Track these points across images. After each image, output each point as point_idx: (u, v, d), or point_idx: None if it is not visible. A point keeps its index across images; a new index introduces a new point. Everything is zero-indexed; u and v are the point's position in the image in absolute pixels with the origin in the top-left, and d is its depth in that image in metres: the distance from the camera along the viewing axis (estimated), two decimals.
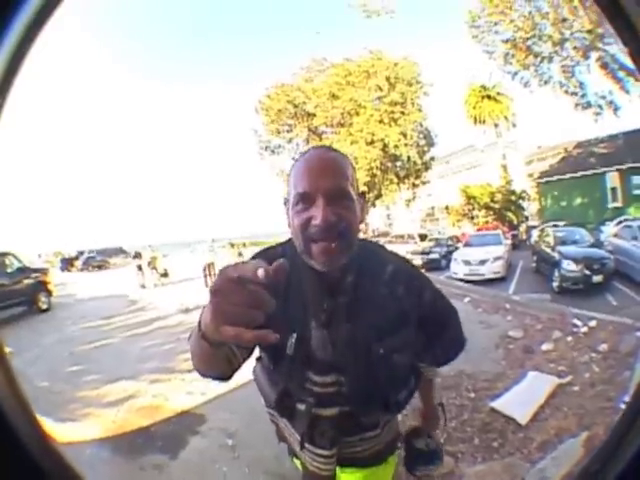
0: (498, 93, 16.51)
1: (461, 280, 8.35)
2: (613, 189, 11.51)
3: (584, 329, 4.01)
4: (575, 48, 8.28)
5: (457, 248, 10.84)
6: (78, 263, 14.13)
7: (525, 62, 9.38)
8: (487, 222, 15.55)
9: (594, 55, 8.15)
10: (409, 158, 15.91)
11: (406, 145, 15.60)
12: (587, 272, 6.56)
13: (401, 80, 16.12)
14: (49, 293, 8.36)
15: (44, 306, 8.06)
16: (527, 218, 15.88)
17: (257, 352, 0.91)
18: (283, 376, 0.86)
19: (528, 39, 8.85)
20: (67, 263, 13.89)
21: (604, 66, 8.17)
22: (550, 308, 5.18)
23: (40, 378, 3.93)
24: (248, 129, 18.94)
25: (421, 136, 16.53)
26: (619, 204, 11.36)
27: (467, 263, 8.72)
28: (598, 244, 7.94)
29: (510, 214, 15.43)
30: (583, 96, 9.10)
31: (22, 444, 0.39)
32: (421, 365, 0.99)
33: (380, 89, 15.89)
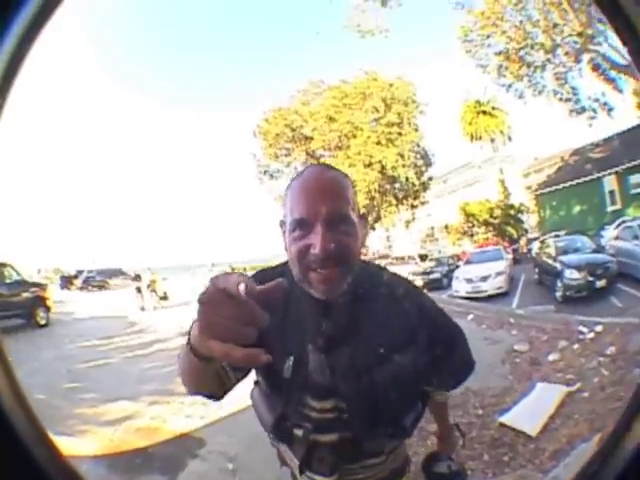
0: (493, 108, 16.79)
1: (463, 298, 8.26)
2: (611, 192, 11.49)
3: (590, 335, 3.96)
4: (567, 54, 8.47)
5: (458, 266, 10.77)
6: (77, 282, 14.03)
7: (519, 73, 9.57)
8: (487, 239, 15.55)
9: (585, 58, 8.32)
10: (407, 179, 15.97)
11: (404, 166, 15.70)
12: (590, 279, 6.50)
13: (397, 100, 16.34)
14: (47, 309, 8.20)
15: (42, 321, 7.89)
16: (527, 231, 15.89)
17: (255, 375, 0.88)
18: (280, 400, 0.82)
19: (521, 49, 9.06)
20: (66, 281, 13.78)
21: (596, 68, 8.34)
22: (555, 318, 5.15)
23: (38, 391, 3.82)
24: (247, 153, 19.10)
25: (418, 156, 16.65)
26: (618, 206, 11.31)
27: (469, 281, 8.65)
28: (600, 249, 7.89)
29: (510, 228, 15.44)
30: (577, 102, 9.25)
31: (25, 449, 0.38)
32: (429, 389, 0.95)
33: (376, 110, 16.07)
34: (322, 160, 16.78)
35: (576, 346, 3.81)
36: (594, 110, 9.20)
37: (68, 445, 2.81)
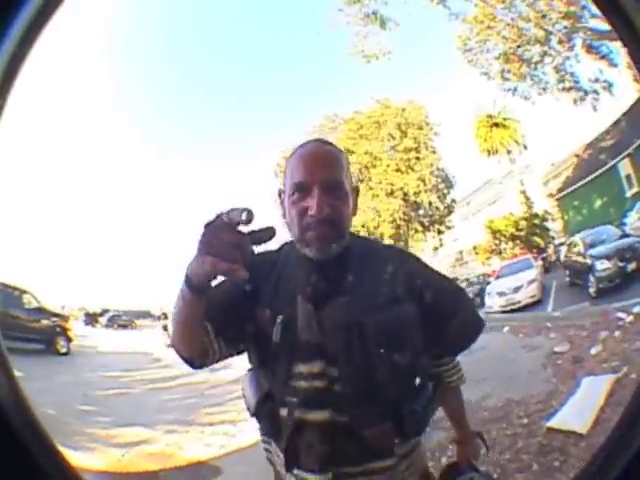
0: (504, 119, 16.68)
1: (498, 313, 8.01)
2: (627, 177, 11.00)
3: (629, 318, 3.88)
4: (560, 42, 8.45)
5: (489, 283, 10.57)
6: (103, 319, 14.18)
7: (520, 72, 9.61)
8: (515, 255, 15.14)
9: (578, 42, 8.28)
10: (430, 204, 15.95)
11: (426, 191, 15.73)
12: (621, 264, 6.36)
13: (411, 125, 16.49)
14: (69, 339, 8.01)
15: (63, 350, 7.69)
16: (553, 238, 15.41)
17: (248, 361, 0.86)
18: (268, 374, 0.79)
19: (518, 47, 9.11)
20: (91, 318, 13.92)
21: (589, 49, 8.30)
22: (592, 312, 5.05)
23: (48, 406, 3.66)
24: (269, 194, 19.42)
25: (439, 179, 16.56)
26: (636, 189, 10.84)
27: (501, 294, 8.39)
28: (626, 235, 7.66)
29: (537, 238, 15.04)
30: (579, 89, 9.15)
31: (26, 449, 0.39)
32: (437, 368, 0.85)
33: (392, 137, 16.22)
34: None
35: (617, 333, 3.69)
36: (596, 92, 9.14)
37: (72, 458, 2.67)
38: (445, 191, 16.35)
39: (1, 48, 0.39)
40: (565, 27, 8.06)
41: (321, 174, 0.76)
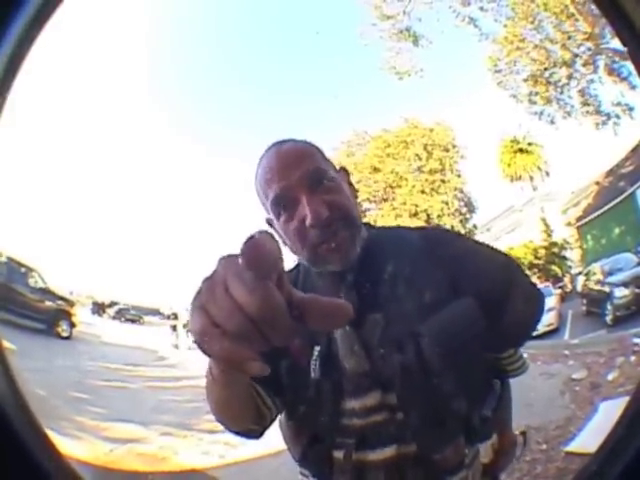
0: (529, 144, 16.54)
1: None
2: None
3: None
4: (585, 64, 8.38)
5: None
6: (110, 311, 14.17)
7: (547, 95, 9.56)
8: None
9: (601, 64, 8.20)
10: (452, 228, 15.80)
11: (449, 215, 15.59)
12: (638, 291, 6.30)
13: (438, 146, 16.45)
14: (72, 324, 7.86)
15: (64, 334, 7.52)
16: (570, 267, 15.13)
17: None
18: (311, 415, 0.66)
19: (545, 70, 9.07)
20: (99, 307, 13.89)
21: (611, 71, 8.20)
22: (609, 338, 5.04)
23: (39, 386, 3.58)
24: None
25: (462, 203, 16.40)
26: None
27: None
28: None
29: (555, 267, 14.75)
30: (601, 112, 9.06)
31: (24, 446, 0.38)
32: (496, 356, 0.72)
33: (419, 158, 16.18)
34: (368, 214, 16.28)
35: (633, 358, 3.68)
36: (617, 116, 9.03)
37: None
38: (467, 216, 16.16)
39: (1, 48, 0.39)
40: (589, 49, 8.04)
41: (296, 174, 0.63)
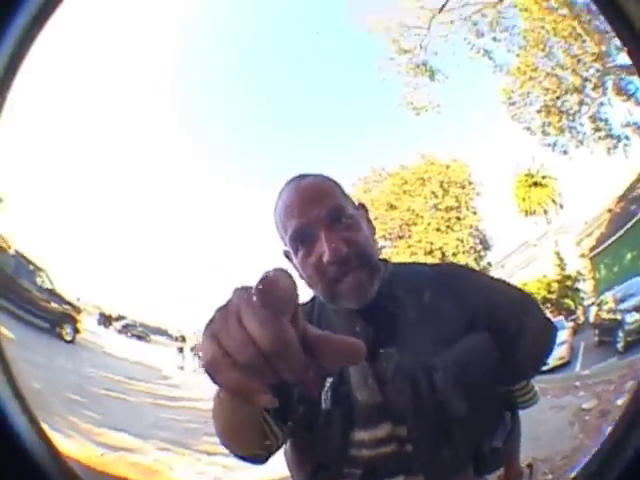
0: (543, 177, 16.47)
1: None
2: None
3: None
4: (595, 87, 8.42)
5: None
6: (117, 324, 14.07)
7: (560, 125, 9.56)
8: None
9: (610, 84, 8.21)
10: (466, 265, 15.58)
11: (464, 252, 15.40)
12: None
13: (454, 183, 16.41)
14: (76, 330, 7.72)
15: (67, 337, 7.34)
16: (583, 299, 14.75)
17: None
18: (318, 444, 0.66)
19: (558, 98, 9.13)
20: (105, 319, 13.78)
21: (620, 90, 8.17)
22: (619, 365, 5.01)
23: (36, 380, 3.51)
24: None
25: (477, 240, 16.25)
26: None
27: None
28: None
29: (568, 300, 14.41)
30: (612, 136, 9.01)
31: (23, 446, 0.38)
32: (509, 388, 0.73)
33: (435, 196, 16.11)
34: (383, 251, 16.76)
35: None
36: (627, 137, 8.95)
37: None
38: (482, 253, 15.98)
39: (1, 48, 0.38)
40: (598, 70, 8.13)
41: (315, 210, 0.64)
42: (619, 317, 6.86)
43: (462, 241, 15.47)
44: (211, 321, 0.32)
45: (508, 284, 0.75)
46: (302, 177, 0.71)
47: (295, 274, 0.67)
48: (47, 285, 7.65)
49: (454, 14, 9.94)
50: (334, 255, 0.60)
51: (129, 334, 15.47)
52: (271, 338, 0.28)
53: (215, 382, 0.32)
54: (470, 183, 16.86)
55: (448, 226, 15.66)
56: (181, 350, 10.72)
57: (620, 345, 6.49)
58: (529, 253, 19.65)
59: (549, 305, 15.71)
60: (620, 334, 6.55)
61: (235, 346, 0.30)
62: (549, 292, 15.81)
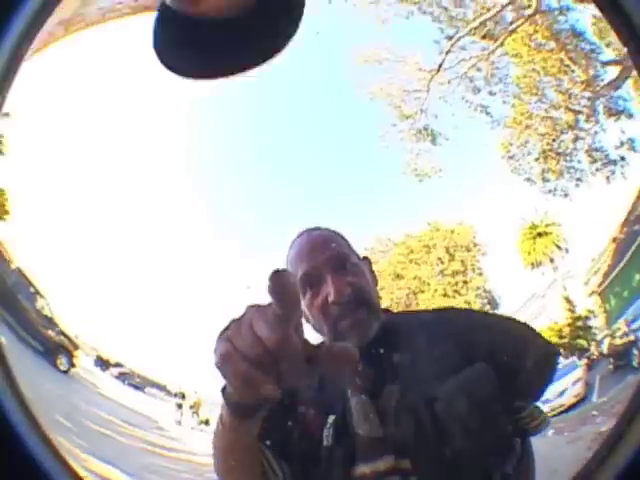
0: (547, 225, 16.49)
1: None
2: None
3: None
4: (587, 119, 8.71)
5: None
6: (114, 370, 13.63)
7: (558, 168, 9.84)
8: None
9: (600, 107, 8.49)
10: None
11: None
12: None
13: (459, 247, 16.50)
14: (72, 364, 7.37)
15: (62, 367, 6.69)
16: (595, 334, 14.11)
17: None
18: (317, 479, 0.68)
19: (554, 141, 9.46)
20: (103, 363, 13.35)
21: (611, 111, 8.41)
22: (635, 379, 4.56)
23: (21, 380, 3.26)
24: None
25: (485, 301, 16.06)
26: None
27: (546, 401, 7.58)
28: None
29: (580, 340, 13.85)
30: (609, 162, 9.21)
31: (24, 446, 0.39)
32: (516, 415, 0.75)
33: (441, 262, 16.10)
34: None
35: None
36: (623, 158, 9.13)
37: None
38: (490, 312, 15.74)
39: (1, 48, 0.39)
40: (589, 98, 8.51)
41: (323, 256, 0.72)
42: (632, 337, 6.62)
43: (469, 304, 15.35)
44: (226, 328, 0.37)
45: (506, 317, 0.80)
46: (312, 230, 0.81)
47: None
48: (47, 312, 7.48)
49: (451, 73, 10.57)
50: (338, 296, 0.66)
51: (126, 382, 15.05)
52: (277, 339, 0.32)
53: (225, 376, 0.36)
54: (475, 245, 16.89)
55: (455, 290, 15.74)
56: (180, 406, 10.28)
57: (636, 362, 6.24)
58: (538, 304, 19.37)
59: (563, 349, 15.20)
60: (635, 351, 6.30)
61: (246, 344, 0.33)
62: (560, 337, 15.33)
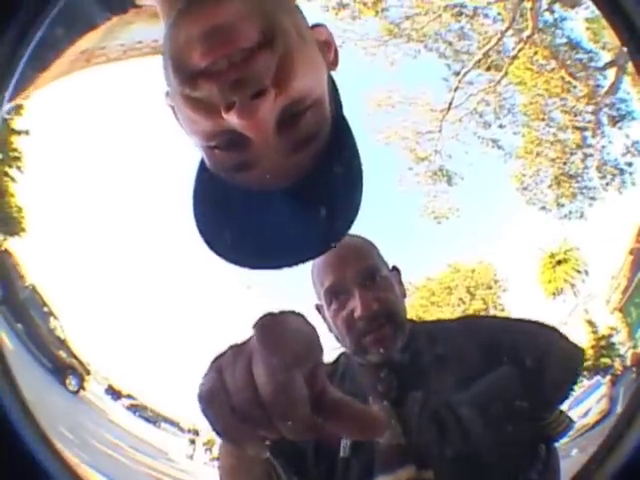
0: (565, 251, 16.01)
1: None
2: None
3: None
4: (593, 134, 8.53)
5: None
6: (125, 402, 13.21)
7: (571, 191, 9.60)
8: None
9: (605, 119, 8.25)
10: None
11: None
12: None
13: (480, 286, 16.18)
14: (82, 387, 6.96)
15: (71, 388, 6.62)
16: (619, 349, 13.28)
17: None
18: None
19: (564, 164, 9.28)
20: (114, 392, 12.85)
21: (614, 119, 8.17)
22: None
23: (24, 383, 3.16)
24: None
25: None
26: None
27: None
28: None
29: (604, 359, 13.06)
30: (619, 173, 8.90)
31: (24, 446, 0.38)
32: (540, 422, 0.72)
33: (463, 302, 15.81)
34: None
35: None
36: (629, 164, 8.82)
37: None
38: None
39: (1, 48, 0.38)
40: (592, 112, 8.38)
41: (352, 268, 0.70)
42: None
43: None
44: (221, 355, 0.31)
45: (528, 320, 0.80)
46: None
47: (324, 329, 0.73)
48: (59, 333, 7.35)
49: (461, 110, 10.53)
50: (365, 311, 0.66)
51: (137, 414, 14.46)
52: (273, 390, 0.26)
53: (205, 415, 0.29)
54: (496, 282, 16.42)
55: None
56: (193, 442, 9.95)
57: None
58: (562, 331, 18.72)
59: (587, 372, 14.44)
60: None
61: (236, 386, 0.27)
62: (585, 361, 14.66)
